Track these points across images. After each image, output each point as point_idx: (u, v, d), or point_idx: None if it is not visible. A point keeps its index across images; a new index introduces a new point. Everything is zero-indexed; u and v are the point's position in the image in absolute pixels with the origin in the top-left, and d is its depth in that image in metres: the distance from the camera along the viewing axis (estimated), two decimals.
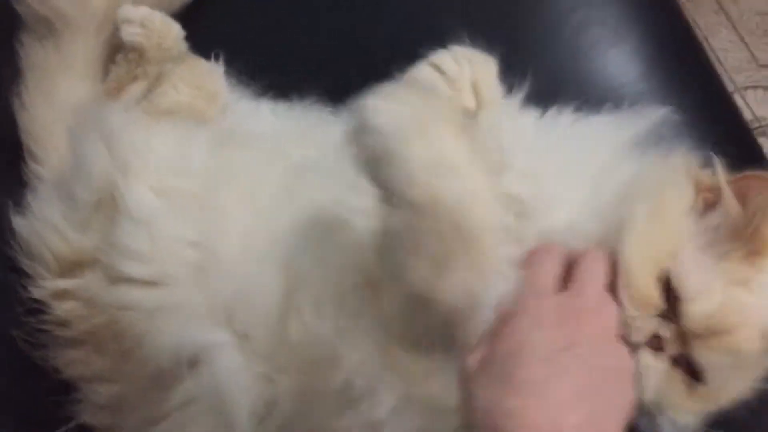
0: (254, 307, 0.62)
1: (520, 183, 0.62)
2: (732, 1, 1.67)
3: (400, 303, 0.56)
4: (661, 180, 0.62)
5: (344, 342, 0.58)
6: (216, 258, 0.63)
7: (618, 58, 0.87)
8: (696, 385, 0.59)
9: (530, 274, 0.55)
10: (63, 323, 0.68)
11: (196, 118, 0.75)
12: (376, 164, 0.50)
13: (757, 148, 0.90)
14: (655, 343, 0.58)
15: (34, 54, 0.81)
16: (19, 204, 0.72)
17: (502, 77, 0.71)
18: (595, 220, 0.62)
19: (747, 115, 1.57)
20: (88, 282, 0.66)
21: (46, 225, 0.69)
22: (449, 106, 0.62)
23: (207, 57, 0.82)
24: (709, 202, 0.61)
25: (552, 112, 0.70)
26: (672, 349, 0.58)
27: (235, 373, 0.61)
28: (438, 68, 0.68)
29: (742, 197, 0.60)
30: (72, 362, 0.69)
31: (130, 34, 0.80)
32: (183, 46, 0.84)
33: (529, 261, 0.57)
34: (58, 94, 0.81)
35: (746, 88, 1.61)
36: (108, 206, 0.66)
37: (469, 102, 0.68)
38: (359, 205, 0.60)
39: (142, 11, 0.81)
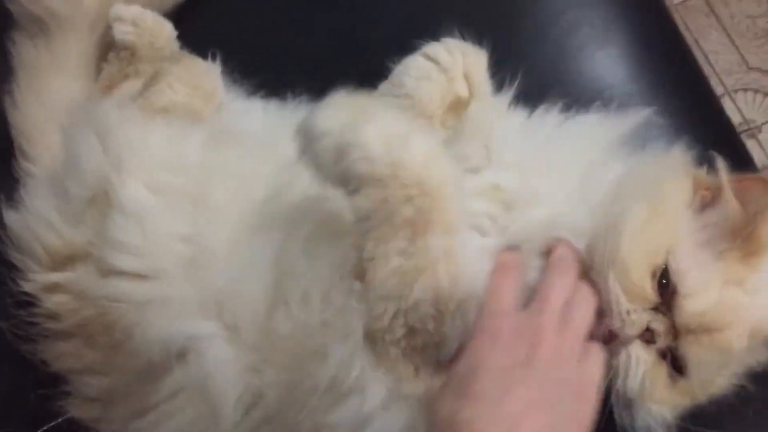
0: (243, 300, 0.62)
1: (507, 175, 0.64)
2: (723, 4, 1.68)
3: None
4: (659, 176, 0.63)
5: (331, 336, 0.58)
6: (207, 252, 0.64)
7: (607, 60, 0.88)
8: (678, 378, 0.60)
9: (489, 294, 0.58)
10: (53, 316, 0.68)
11: (191, 117, 0.75)
12: (334, 161, 0.54)
13: (742, 150, 0.90)
14: (647, 336, 0.59)
15: (26, 52, 0.82)
16: (11, 199, 0.72)
17: (492, 76, 0.72)
18: (583, 215, 0.62)
19: (737, 117, 1.58)
20: (79, 275, 0.66)
21: (40, 220, 0.69)
22: (391, 104, 0.67)
23: (203, 56, 0.82)
24: (706, 201, 0.62)
25: (540, 111, 0.71)
26: (662, 342, 0.59)
27: (223, 364, 0.61)
28: (432, 58, 0.69)
29: (741, 198, 0.61)
30: (62, 355, 0.69)
31: (122, 32, 0.81)
32: (175, 45, 0.84)
33: (489, 281, 0.59)
34: (50, 93, 0.81)
35: (736, 90, 1.62)
36: (101, 202, 0.66)
37: (462, 90, 0.70)
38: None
39: (134, 10, 0.81)
